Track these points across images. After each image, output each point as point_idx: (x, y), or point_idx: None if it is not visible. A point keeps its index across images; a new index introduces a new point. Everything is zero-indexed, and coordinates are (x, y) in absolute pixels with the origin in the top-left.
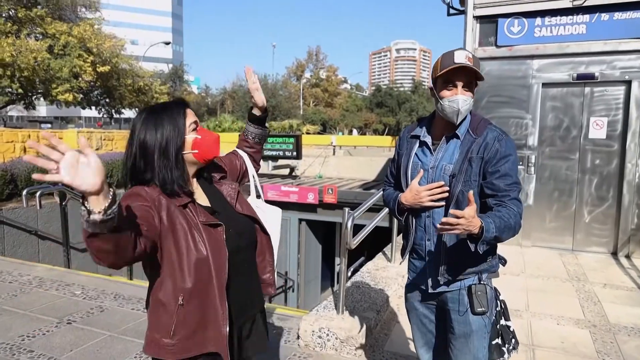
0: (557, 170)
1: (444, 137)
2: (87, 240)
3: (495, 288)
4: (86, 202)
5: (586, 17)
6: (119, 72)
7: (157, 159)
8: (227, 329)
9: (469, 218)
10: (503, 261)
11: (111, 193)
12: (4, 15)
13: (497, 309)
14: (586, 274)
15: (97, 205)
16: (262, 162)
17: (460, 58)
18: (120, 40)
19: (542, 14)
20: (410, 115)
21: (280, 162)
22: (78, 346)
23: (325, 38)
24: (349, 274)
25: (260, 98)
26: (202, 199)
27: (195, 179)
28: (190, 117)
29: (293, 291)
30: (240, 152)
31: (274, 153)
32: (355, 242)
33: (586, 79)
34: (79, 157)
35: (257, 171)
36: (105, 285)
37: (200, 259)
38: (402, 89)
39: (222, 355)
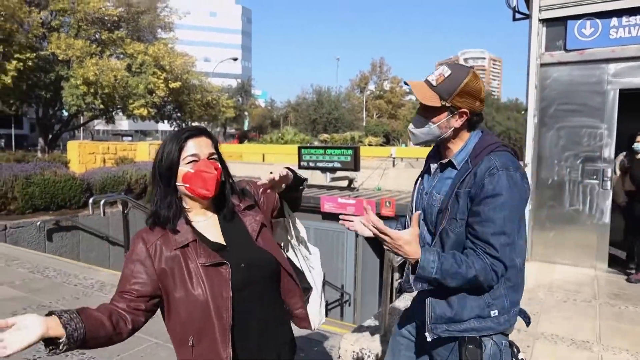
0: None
1: (438, 164)
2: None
3: (511, 343)
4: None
5: None
6: (189, 87)
7: (155, 186)
8: None
9: (395, 239)
10: (524, 317)
11: (61, 321)
12: (90, 38)
13: None
14: None
15: (57, 336)
16: (320, 174)
17: (430, 77)
18: (191, 58)
19: (619, 13)
20: None
21: (339, 174)
22: (125, 351)
23: (390, 49)
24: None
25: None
26: (213, 232)
27: (209, 210)
28: (191, 149)
29: (349, 305)
30: None
31: (332, 165)
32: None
33: None
34: (16, 328)
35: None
36: None
37: (199, 302)
38: None
39: None
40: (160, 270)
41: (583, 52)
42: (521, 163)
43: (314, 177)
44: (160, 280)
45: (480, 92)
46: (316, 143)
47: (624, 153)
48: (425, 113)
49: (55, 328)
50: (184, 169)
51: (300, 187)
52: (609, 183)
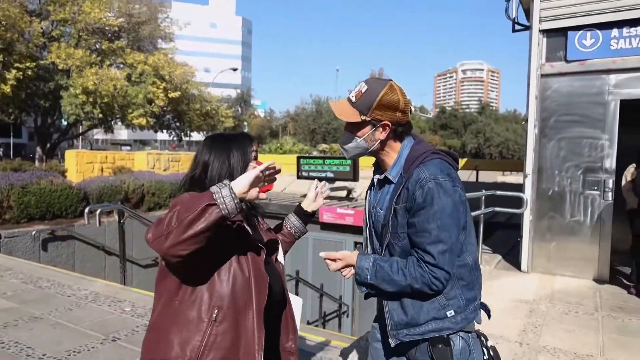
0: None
1: (377, 179)
2: (211, 220)
3: (479, 333)
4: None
5: None
6: (189, 97)
7: (218, 179)
8: (262, 358)
9: (339, 257)
10: (486, 310)
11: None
12: (91, 48)
13: (485, 358)
14: None
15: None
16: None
17: (351, 94)
18: (190, 68)
19: (620, 24)
20: (476, 137)
21: (338, 184)
22: None
23: (389, 61)
24: None
25: (316, 205)
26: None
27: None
28: (255, 147)
29: (347, 317)
30: None
31: (330, 175)
32: None
33: None
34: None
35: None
36: None
37: (243, 276)
38: (467, 110)
39: None
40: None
41: (584, 63)
42: (456, 172)
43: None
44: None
45: (398, 103)
46: (315, 153)
47: (634, 165)
48: (351, 128)
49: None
50: (252, 165)
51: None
52: (610, 194)
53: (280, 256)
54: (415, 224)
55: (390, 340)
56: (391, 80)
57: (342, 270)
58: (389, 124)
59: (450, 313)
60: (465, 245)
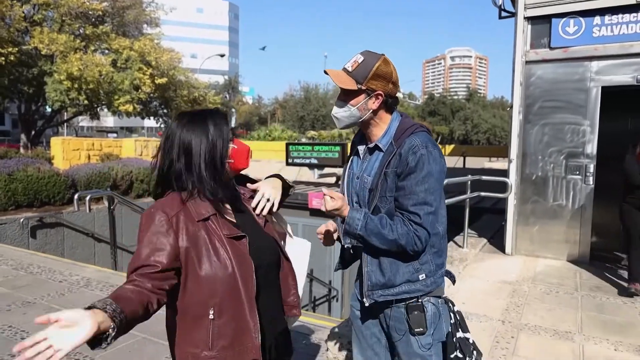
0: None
1: (366, 147)
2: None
3: (446, 300)
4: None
5: None
6: (176, 83)
7: (202, 165)
8: (259, 340)
9: (336, 198)
10: (450, 276)
11: (108, 316)
12: (74, 33)
13: (452, 322)
14: None
15: (105, 330)
16: (308, 171)
17: (347, 64)
18: (177, 53)
19: (602, 12)
20: (464, 124)
21: (326, 170)
22: (112, 347)
23: (378, 47)
24: None
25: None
26: (227, 212)
27: None
28: (229, 126)
29: (337, 301)
30: None
31: (319, 162)
32: None
33: None
34: (61, 325)
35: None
36: None
37: (226, 273)
38: (456, 97)
39: None
40: (184, 243)
41: (567, 50)
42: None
43: (302, 174)
44: (183, 253)
45: (391, 75)
46: (304, 140)
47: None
48: (345, 97)
49: (104, 322)
50: (232, 145)
51: (288, 194)
52: (591, 178)
53: (273, 221)
54: (404, 187)
55: (364, 299)
56: (384, 54)
57: (334, 211)
58: (382, 94)
59: (422, 276)
60: (437, 215)
